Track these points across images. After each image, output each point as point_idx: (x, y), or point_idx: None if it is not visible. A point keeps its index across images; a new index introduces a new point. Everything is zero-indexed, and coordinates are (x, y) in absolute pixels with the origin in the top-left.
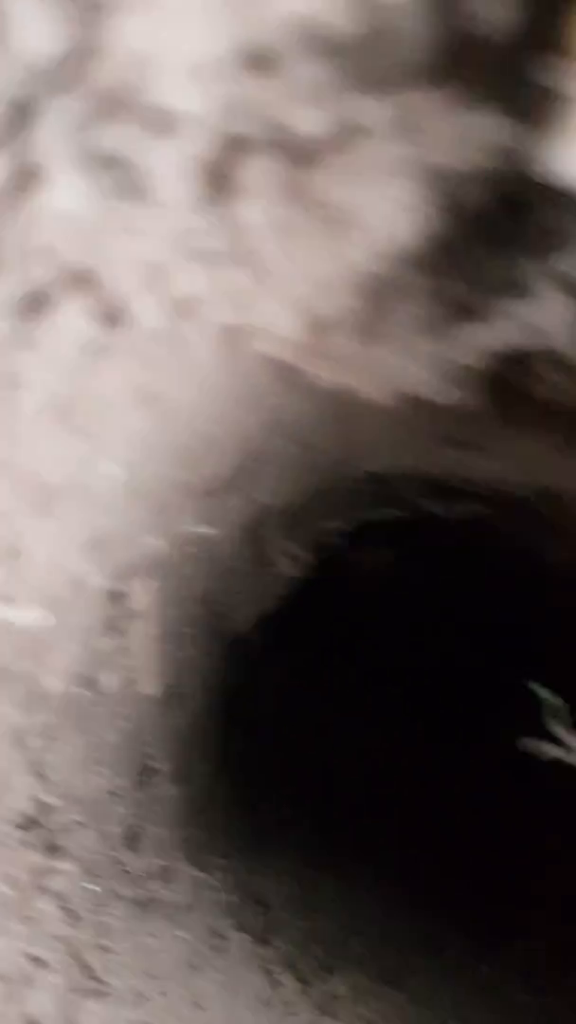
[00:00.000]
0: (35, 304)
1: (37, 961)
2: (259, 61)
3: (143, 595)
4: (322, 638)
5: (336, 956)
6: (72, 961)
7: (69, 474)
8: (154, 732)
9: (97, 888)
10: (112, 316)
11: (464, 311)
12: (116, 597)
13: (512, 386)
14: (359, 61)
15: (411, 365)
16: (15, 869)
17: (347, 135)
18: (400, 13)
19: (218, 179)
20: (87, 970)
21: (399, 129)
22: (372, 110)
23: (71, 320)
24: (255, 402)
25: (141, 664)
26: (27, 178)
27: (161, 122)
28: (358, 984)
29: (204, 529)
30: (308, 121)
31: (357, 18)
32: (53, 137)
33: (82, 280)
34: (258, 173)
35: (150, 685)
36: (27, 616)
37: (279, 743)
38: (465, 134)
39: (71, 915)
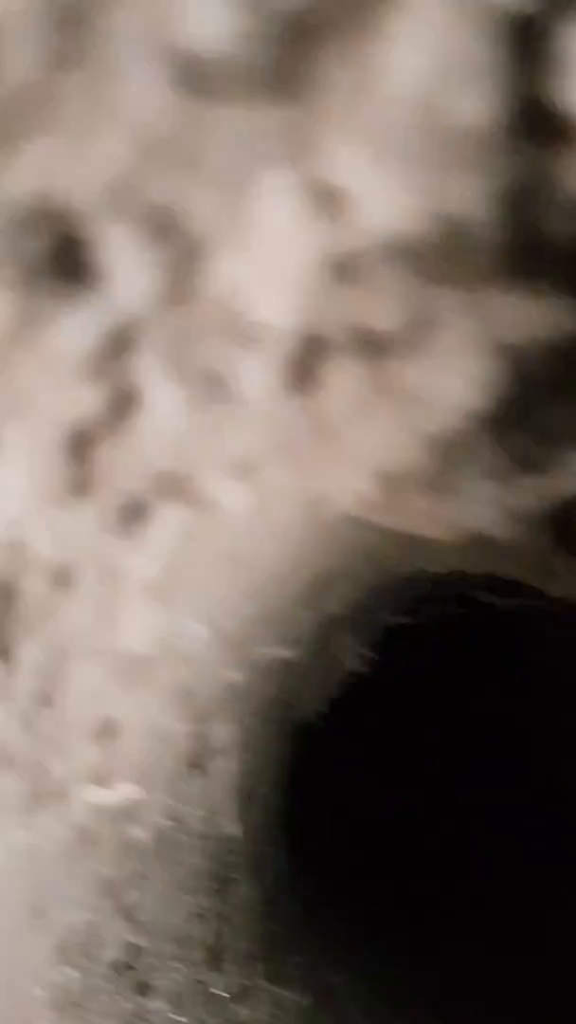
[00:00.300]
0: (132, 514)
1: None
2: (344, 271)
3: (223, 731)
4: (388, 727)
5: None
6: None
7: (157, 642)
8: (231, 841)
9: (184, 1019)
10: (203, 507)
11: (529, 464)
12: (198, 738)
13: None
14: (435, 262)
15: (477, 512)
16: (107, 1020)
17: (421, 327)
18: (476, 220)
19: (300, 377)
20: None
21: (471, 315)
22: (446, 303)
23: (168, 523)
24: (329, 552)
25: (223, 798)
26: (125, 402)
27: (251, 334)
28: None
29: (279, 651)
30: (385, 319)
31: (436, 226)
32: (151, 361)
33: (176, 484)
34: (337, 369)
35: (232, 819)
36: (120, 793)
37: (349, 835)
38: (535, 317)
39: None
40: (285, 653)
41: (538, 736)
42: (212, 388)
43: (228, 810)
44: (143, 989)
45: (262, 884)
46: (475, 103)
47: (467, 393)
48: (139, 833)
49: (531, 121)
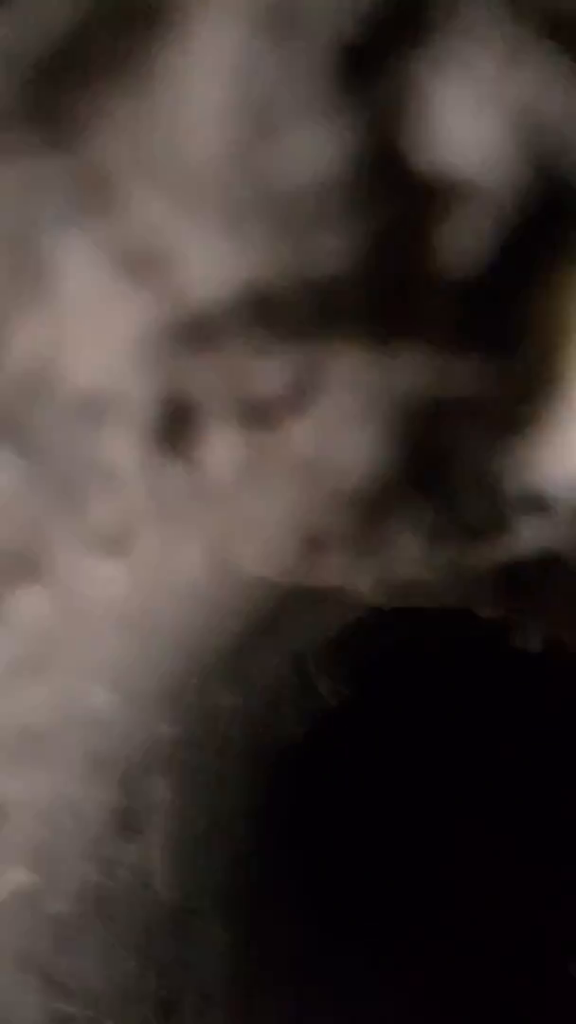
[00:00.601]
0: None
1: None
2: (189, 336)
3: (158, 787)
4: (365, 757)
5: None
6: None
7: (54, 714)
8: (191, 884)
9: None
10: (65, 587)
11: (466, 528)
12: (124, 800)
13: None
14: (299, 323)
15: (407, 566)
16: None
17: (306, 390)
18: (333, 276)
19: (171, 446)
20: None
21: (358, 374)
22: (328, 363)
23: (24, 606)
24: (246, 614)
25: (162, 855)
26: None
27: (95, 409)
28: None
29: (226, 697)
30: (260, 383)
31: (286, 285)
32: None
33: (26, 567)
34: (215, 437)
35: (168, 885)
36: (11, 881)
37: (329, 871)
38: (424, 371)
39: None
40: (233, 699)
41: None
42: (57, 460)
43: (168, 867)
44: None
45: (226, 929)
46: (305, 155)
47: (369, 455)
48: (58, 906)
49: (381, 174)
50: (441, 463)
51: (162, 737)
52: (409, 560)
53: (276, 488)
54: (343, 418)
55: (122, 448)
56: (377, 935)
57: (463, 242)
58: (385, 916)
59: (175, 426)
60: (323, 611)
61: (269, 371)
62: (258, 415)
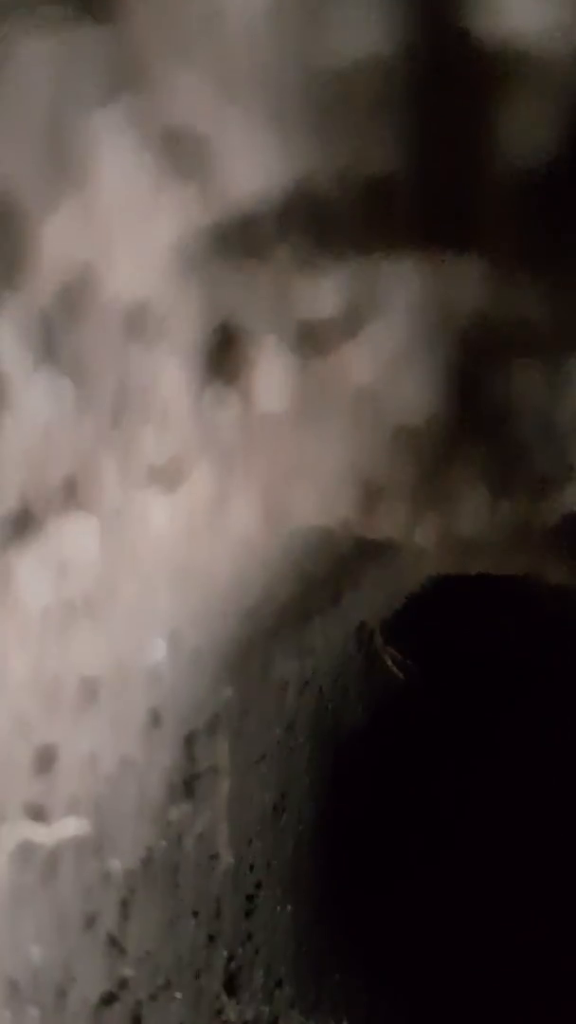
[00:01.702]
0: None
1: None
2: (229, 242)
3: (218, 752)
4: (435, 740)
5: None
6: None
7: (112, 665)
8: (257, 857)
9: None
10: (115, 517)
11: (531, 479)
12: (186, 763)
13: None
14: (351, 229)
15: (469, 519)
16: None
17: (360, 311)
18: (387, 176)
19: (219, 372)
20: None
21: (414, 289)
22: (382, 278)
23: (67, 535)
24: (306, 577)
25: (224, 831)
26: None
27: (139, 326)
28: None
29: (293, 662)
30: (314, 300)
31: (336, 184)
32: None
33: (73, 493)
34: (266, 363)
35: (234, 857)
36: (63, 828)
37: (396, 853)
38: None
39: None
40: (298, 670)
41: None
42: (104, 384)
43: (233, 839)
44: (134, 1022)
45: (293, 905)
46: (356, 34)
47: (429, 390)
48: (121, 867)
49: (438, 51)
50: (505, 405)
51: (226, 702)
52: (472, 514)
53: (332, 425)
54: (401, 345)
55: (171, 373)
56: (447, 916)
57: (526, 130)
58: (455, 897)
59: (223, 350)
60: (386, 581)
61: (321, 289)
62: (310, 339)
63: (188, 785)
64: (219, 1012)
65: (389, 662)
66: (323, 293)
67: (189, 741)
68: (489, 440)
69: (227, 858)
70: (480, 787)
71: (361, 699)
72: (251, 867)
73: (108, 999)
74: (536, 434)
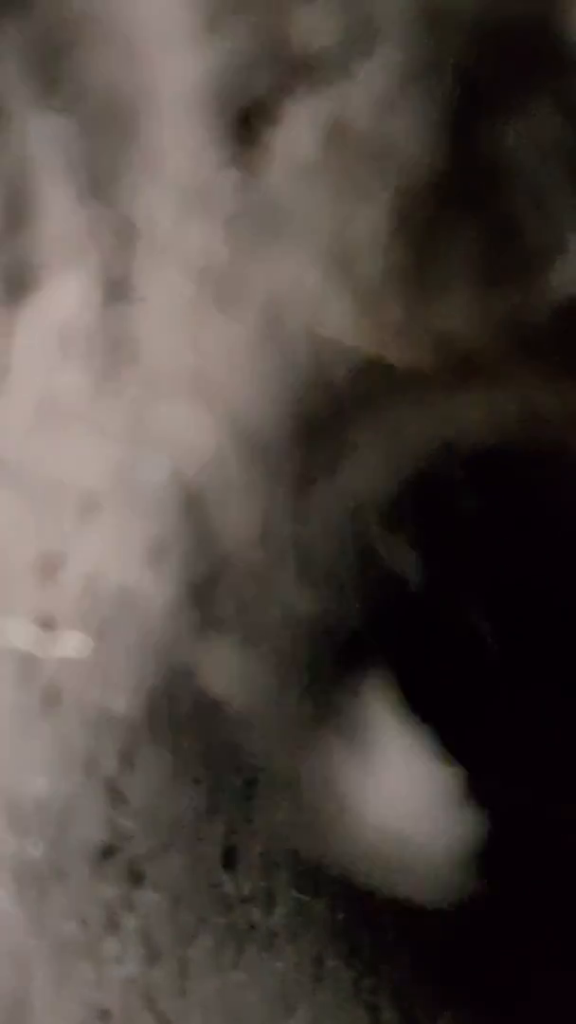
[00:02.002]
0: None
1: (104, 1014)
2: None
3: (223, 603)
4: (440, 634)
5: (451, 988)
6: (144, 1009)
7: (110, 477)
8: (257, 738)
9: (184, 918)
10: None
11: (525, 250)
12: (192, 607)
13: None
14: None
15: (465, 327)
16: (86, 906)
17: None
18: None
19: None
20: (160, 1018)
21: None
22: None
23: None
24: (308, 384)
25: (229, 674)
26: None
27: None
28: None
29: (293, 527)
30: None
31: None
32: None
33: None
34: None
35: (240, 695)
36: (69, 641)
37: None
38: None
39: (149, 953)
40: (299, 528)
41: None
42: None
43: (235, 686)
44: (133, 877)
45: (292, 795)
46: None
47: (419, 125)
48: (123, 708)
49: None
50: (497, 167)
51: (224, 545)
52: (464, 307)
53: (342, 198)
54: (395, 84)
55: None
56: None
57: None
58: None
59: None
60: (387, 452)
61: (313, 18)
62: (303, 74)
63: (192, 628)
64: (216, 885)
65: (383, 552)
66: (315, 22)
67: (189, 581)
68: (480, 211)
69: (231, 716)
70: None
71: (359, 595)
72: (248, 749)
73: (109, 850)
74: (526, 201)
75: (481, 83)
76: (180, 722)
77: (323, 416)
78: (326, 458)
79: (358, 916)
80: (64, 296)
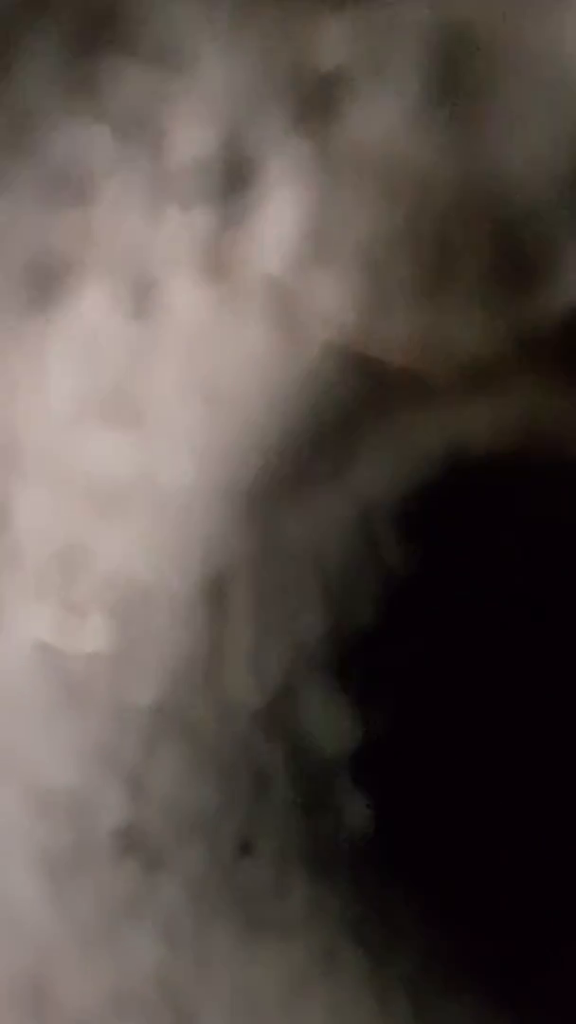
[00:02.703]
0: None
1: (121, 1001)
2: None
3: (238, 599)
4: (449, 635)
5: (461, 976)
6: (162, 997)
7: (128, 476)
8: (268, 737)
9: (201, 907)
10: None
11: (530, 263)
12: (207, 603)
13: None
14: None
15: (477, 337)
16: (107, 894)
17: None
18: None
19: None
20: (178, 1006)
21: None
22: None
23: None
24: (322, 393)
25: (243, 670)
26: None
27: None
28: (483, 1009)
29: (303, 526)
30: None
31: None
32: None
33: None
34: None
35: (254, 691)
36: (93, 633)
37: (406, 737)
38: None
39: (167, 941)
40: (308, 528)
41: None
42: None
43: (247, 682)
44: (152, 867)
45: (305, 791)
46: None
47: (431, 146)
48: (142, 696)
49: None
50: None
51: (243, 544)
52: (470, 319)
53: (345, 198)
54: (409, 107)
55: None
56: (458, 812)
57: None
58: (465, 803)
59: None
60: (395, 461)
61: (325, 34)
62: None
63: (209, 629)
64: (232, 876)
65: (386, 554)
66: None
67: (207, 567)
68: (487, 226)
69: (256, 697)
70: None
71: (369, 588)
72: (259, 746)
73: (129, 839)
74: (530, 216)
75: (488, 107)
76: (200, 714)
77: (333, 422)
78: (335, 463)
79: (371, 910)
80: (92, 300)
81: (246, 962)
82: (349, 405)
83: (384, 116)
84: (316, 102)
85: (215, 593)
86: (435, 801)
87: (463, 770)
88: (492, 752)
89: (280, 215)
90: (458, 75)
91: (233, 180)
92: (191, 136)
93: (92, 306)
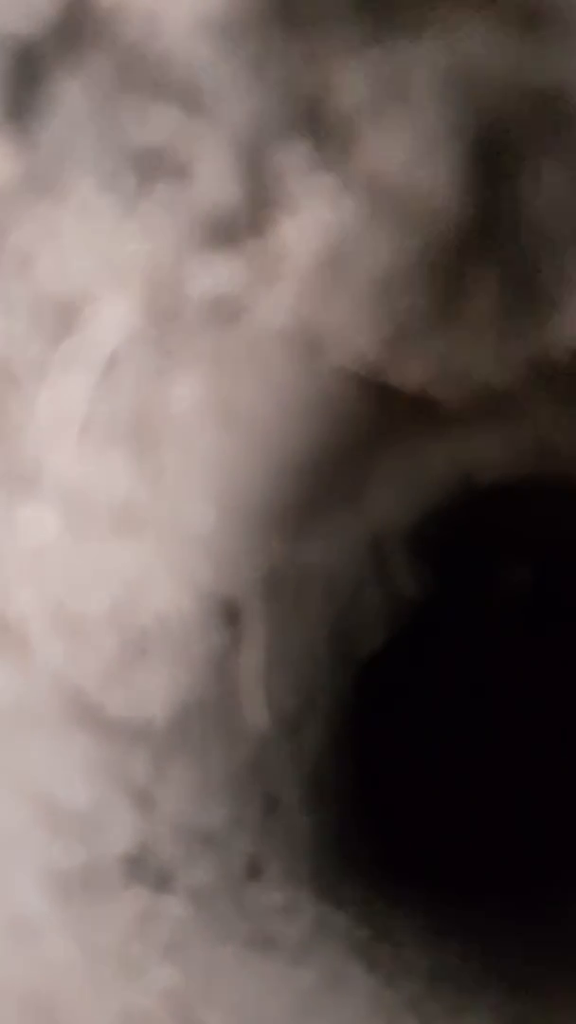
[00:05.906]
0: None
1: (130, 1019)
2: None
3: (250, 622)
4: (459, 660)
5: (467, 999)
6: (171, 1016)
7: (143, 500)
8: (278, 760)
9: (210, 927)
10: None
11: (541, 298)
12: (220, 626)
13: None
14: None
15: (491, 364)
16: (115, 912)
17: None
18: None
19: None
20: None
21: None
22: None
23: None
24: (338, 418)
25: (254, 693)
26: None
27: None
28: None
29: (316, 550)
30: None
31: None
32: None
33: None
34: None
35: (265, 714)
36: (103, 654)
37: (415, 770)
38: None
39: (176, 960)
40: (322, 552)
41: None
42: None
43: (260, 705)
44: (161, 887)
45: (315, 816)
46: None
47: (446, 179)
48: (151, 713)
49: None
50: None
51: (257, 567)
52: (484, 347)
53: (360, 230)
54: (425, 142)
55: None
56: (470, 833)
57: None
58: (479, 822)
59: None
60: (408, 486)
61: (346, 71)
62: (332, 126)
63: (223, 650)
64: (241, 895)
65: (399, 581)
66: (348, 76)
67: (227, 605)
68: (501, 257)
69: (267, 721)
70: (504, 711)
71: (380, 615)
72: (269, 770)
73: (140, 858)
74: (542, 248)
75: (504, 143)
76: (210, 735)
77: (348, 447)
78: (349, 488)
79: (379, 932)
80: (108, 323)
81: (255, 982)
82: (364, 431)
83: (402, 150)
84: (337, 137)
85: (228, 616)
86: (441, 823)
87: (470, 793)
88: (499, 776)
89: (300, 245)
90: (476, 113)
91: (255, 212)
92: (214, 170)
93: (112, 332)
